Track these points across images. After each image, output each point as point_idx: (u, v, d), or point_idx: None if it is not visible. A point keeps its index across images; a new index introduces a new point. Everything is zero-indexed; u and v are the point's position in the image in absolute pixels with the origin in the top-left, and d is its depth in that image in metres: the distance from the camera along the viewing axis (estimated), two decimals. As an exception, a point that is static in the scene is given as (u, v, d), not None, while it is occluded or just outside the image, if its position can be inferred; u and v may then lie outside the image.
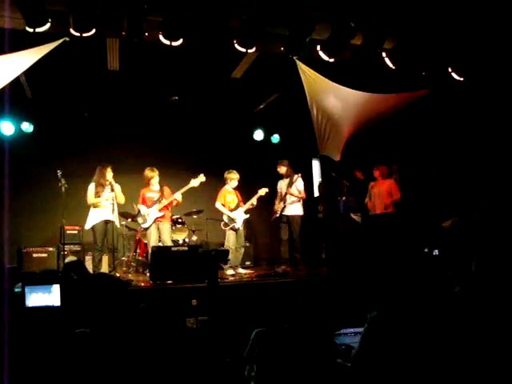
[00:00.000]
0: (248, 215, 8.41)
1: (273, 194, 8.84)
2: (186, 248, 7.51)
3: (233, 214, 8.23)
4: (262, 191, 8.40)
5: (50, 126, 9.76)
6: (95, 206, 7.72)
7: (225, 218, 8.27)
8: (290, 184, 8.49)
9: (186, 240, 9.30)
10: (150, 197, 8.17)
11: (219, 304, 6.02)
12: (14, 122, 9.48)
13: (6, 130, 9.41)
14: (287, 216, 8.52)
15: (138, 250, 9.04)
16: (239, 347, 4.47)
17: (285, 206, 8.47)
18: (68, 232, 8.88)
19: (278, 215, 8.58)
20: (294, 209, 8.51)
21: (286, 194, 8.49)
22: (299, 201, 8.53)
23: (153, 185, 8.23)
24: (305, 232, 10.01)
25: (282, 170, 8.71)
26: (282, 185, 8.77)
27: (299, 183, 8.52)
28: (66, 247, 8.65)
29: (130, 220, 9.10)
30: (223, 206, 8.28)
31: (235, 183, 8.42)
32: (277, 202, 8.67)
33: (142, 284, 7.09)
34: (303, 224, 8.66)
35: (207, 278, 6.41)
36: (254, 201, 8.42)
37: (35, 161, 9.61)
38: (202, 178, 8.10)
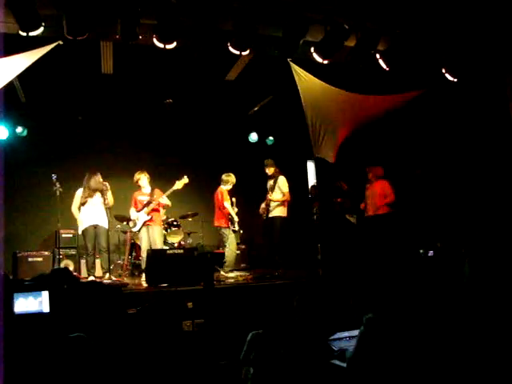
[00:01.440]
0: None
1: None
2: (182, 251, 7.51)
3: (235, 216, 8.32)
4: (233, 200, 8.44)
5: (44, 129, 9.75)
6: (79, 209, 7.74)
7: (231, 219, 8.35)
8: (272, 188, 8.34)
9: (182, 243, 9.29)
10: (141, 200, 8.13)
11: (215, 307, 6.02)
12: (8, 125, 9.46)
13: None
14: (270, 218, 8.38)
15: (133, 253, 9.02)
16: (235, 350, 4.47)
17: (269, 210, 8.34)
18: (63, 236, 8.87)
19: (265, 218, 8.47)
20: (277, 211, 8.35)
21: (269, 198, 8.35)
22: (283, 203, 8.36)
23: (144, 187, 8.20)
24: (299, 234, 10.03)
25: (271, 170, 8.49)
26: (268, 185, 8.62)
27: (283, 185, 8.31)
28: (62, 251, 8.64)
29: (125, 223, 9.09)
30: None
31: (231, 187, 8.46)
32: (264, 203, 8.55)
33: (138, 287, 7.08)
34: (288, 226, 8.49)
35: (203, 280, 6.41)
36: (235, 208, 8.55)
37: (30, 165, 9.60)
38: (185, 179, 8.06)
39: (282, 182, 8.30)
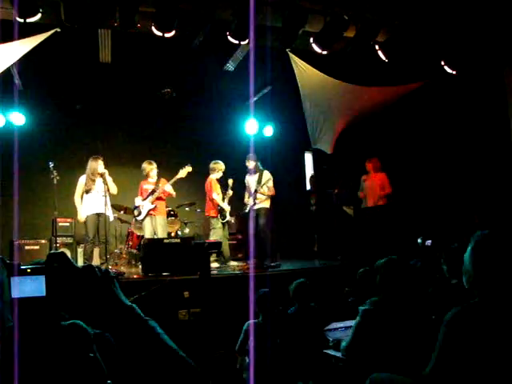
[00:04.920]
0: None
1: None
2: (179, 240, 7.51)
3: (225, 206, 8.25)
4: (230, 182, 8.31)
5: (41, 117, 9.70)
6: (82, 197, 7.64)
7: (220, 210, 8.25)
8: (260, 181, 8.32)
9: (179, 232, 9.29)
10: (146, 189, 8.15)
11: (211, 296, 6.04)
12: (5, 113, 9.41)
13: (-4, 121, 9.34)
14: (255, 210, 8.35)
15: (130, 243, 9.02)
16: (231, 339, 4.49)
17: (254, 203, 8.31)
18: (60, 224, 8.87)
19: (247, 211, 8.42)
20: (264, 203, 8.35)
21: (256, 190, 8.32)
22: (268, 197, 8.38)
23: (151, 177, 8.21)
24: (296, 224, 10.06)
25: (251, 164, 8.46)
26: (250, 180, 8.57)
27: (269, 180, 8.31)
28: (59, 239, 8.64)
29: (122, 212, 9.09)
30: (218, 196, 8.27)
31: (221, 174, 8.39)
32: (246, 196, 8.54)
33: (135, 276, 7.09)
34: (271, 217, 8.52)
35: (199, 270, 6.42)
36: (230, 192, 8.39)
37: (26, 153, 9.54)
38: (188, 168, 8.04)
39: (269, 176, 8.34)
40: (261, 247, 8.30)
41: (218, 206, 8.22)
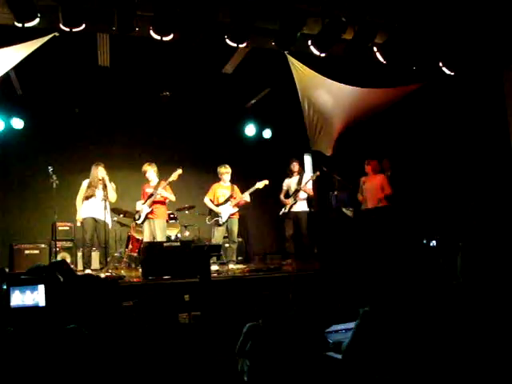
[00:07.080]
0: (235, 210, 8.36)
1: (272, 189, 8.84)
2: (179, 243, 7.51)
3: (217, 209, 8.26)
4: (261, 184, 8.36)
5: (40, 122, 9.70)
6: (83, 200, 7.70)
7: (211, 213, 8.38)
8: (300, 182, 8.59)
9: (179, 235, 9.29)
10: (147, 192, 8.20)
11: (212, 299, 6.03)
12: (4, 118, 9.41)
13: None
14: (294, 212, 8.59)
15: (130, 246, 9.01)
16: (232, 342, 4.48)
17: (295, 203, 8.55)
18: (60, 228, 8.88)
19: (286, 211, 8.64)
20: (302, 205, 8.64)
21: (297, 190, 8.55)
22: (306, 199, 8.64)
23: (152, 180, 8.23)
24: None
25: (296, 167, 8.85)
26: (290, 182, 8.82)
27: (309, 183, 8.66)
28: (58, 244, 8.63)
29: (121, 216, 9.09)
30: (211, 201, 8.35)
31: (227, 177, 8.43)
32: (282, 197, 8.75)
33: (135, 280, 7.08)
34: (310, 220, 8.74)
35: (199, 273, 6.41)
36: (246, 196, 8.35)
37: (26, 157, 9.56)
38: (179, 171, 8.07)
39: (309, 177, 8.75)
40: (302, 250, 8.47)
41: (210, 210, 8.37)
